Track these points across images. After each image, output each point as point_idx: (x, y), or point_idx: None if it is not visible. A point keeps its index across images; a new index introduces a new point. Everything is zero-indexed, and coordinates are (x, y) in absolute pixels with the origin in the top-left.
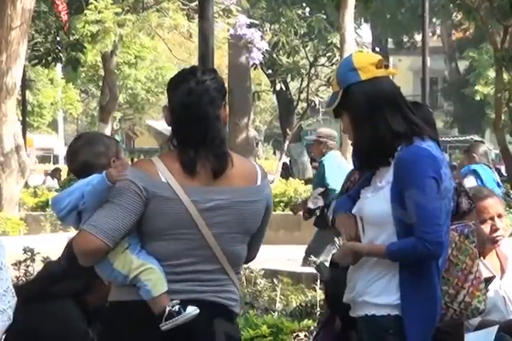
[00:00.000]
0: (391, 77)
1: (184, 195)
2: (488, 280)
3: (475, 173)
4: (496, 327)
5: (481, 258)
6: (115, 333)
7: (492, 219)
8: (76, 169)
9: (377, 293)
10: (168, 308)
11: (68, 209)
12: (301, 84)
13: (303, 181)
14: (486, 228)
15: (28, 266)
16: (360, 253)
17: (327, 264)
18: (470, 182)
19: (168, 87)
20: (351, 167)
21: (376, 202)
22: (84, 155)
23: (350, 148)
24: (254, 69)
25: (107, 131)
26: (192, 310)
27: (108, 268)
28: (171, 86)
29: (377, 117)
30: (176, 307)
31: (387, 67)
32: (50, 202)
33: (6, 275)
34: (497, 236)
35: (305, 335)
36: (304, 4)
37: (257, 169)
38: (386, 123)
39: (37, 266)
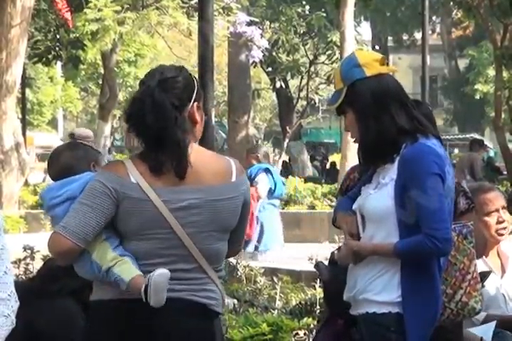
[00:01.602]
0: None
1: (154, 196)
2: (484, 276)
3: (267, 171)
4: (494, 322)
5: (483, 257)
6: (95, 332)
7: (497, 211)
8: (57, 172)
9: (378, 291)
10: (144, 285)
11: (64, 197)
12: (300, 82)
13: (302, 179)
14: (492, 220)
15: (27, 264)
16: (365, 253)
17: (326, 263)
18: (263, 178)
19: None
20: None
21: (379, 198)
22: (65, 158)
23: (351, 147)
24: (254, 67)
25: (107, 129)
26: (158, 270)
27: (87, 261)
28: None
29: (383, 113)
30: (147, 278)
31: (387, 65)
32: (40, 192)
33: (10, 279)
34: (503, 228)
35: (305, 333)
36: (304, 2)
37: (231, 165)
38: (392, 120)
39: (37, 264)
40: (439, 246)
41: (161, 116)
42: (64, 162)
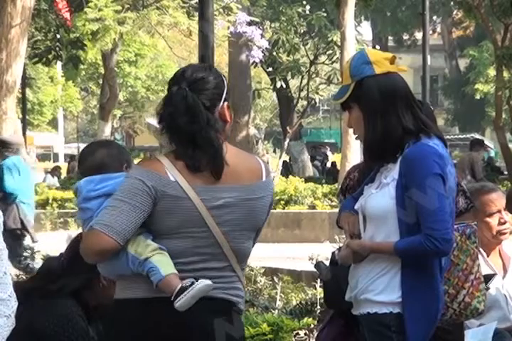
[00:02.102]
0: None
1: (193, 194)
2: (489, 278)
3: None
4: (494, 323)
5: (485, 257)
6: (119, 331)
7: (499, 212)
8: (89, 168)
9: (379, 291)
10: (180, 285)
11: (101, 192)
12: (301, 82)
13: (303, 179)
14: (493, 221)
15: (28, 264)
16: (366, 251)
17: (327, 263)
18: None
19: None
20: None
21: (380, 198)
22: (100, 155)
23: (351, 146)
24: (255, 67)
25: (107, 129)
26: (204, 281)
27: (123, 256)
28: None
29: (390, 111)
30: (188, 282)
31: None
32: (77, 183)
33: (10, 280)
34: (504, 229)
35: (305, 333)
36: (304, 2)
37: (261, 165)
38: (398, 118)
39: (37, 264)
40: (439, 247)
41: (193, 118)
42: (99, 159)
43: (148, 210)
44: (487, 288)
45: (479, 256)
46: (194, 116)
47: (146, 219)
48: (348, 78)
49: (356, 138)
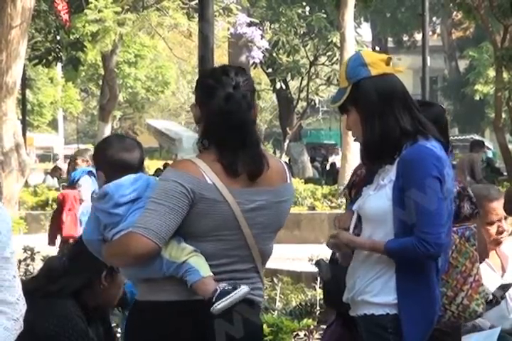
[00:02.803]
0: None
1: (230, 197)
2: (507, 288)
3: (91, 174)
4: (498, 329)
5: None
6: (146, 333)
7: (500, 220)
8: (122, 165)
9: (376, 292)
10: (219, 288)
11: (131, 197)
12: (301, 83)
13: (303, 180)
14: (492, 229)
15: (28, 265)
16: (354, 245)
17: (327, 261)
18: (86, 181)
19: (200, 89)
20: None
21: (377, 199)
22: (137, 154)
23: (351, 147)
24: (254, 68)
25: (107, 130)
26: (245, 287)
27: (159, 262)
28: (204, 89)
29: (388, 112)
30: (228, 287)
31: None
32: (103, 189)
33: (19, 283)
34: (501, 238)
35: (305, 334)
36: (304, 3)
37: (285, 167)
38: (395, 119)
39: (37, 265)
40: (430, 251)
41: (250, 118)
42: (136, 159)
43: (185, 212)
44: (502, 297)
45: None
46: (250, 115)
47: (181, 222)
48: (344, 81)
49: (355, 140)
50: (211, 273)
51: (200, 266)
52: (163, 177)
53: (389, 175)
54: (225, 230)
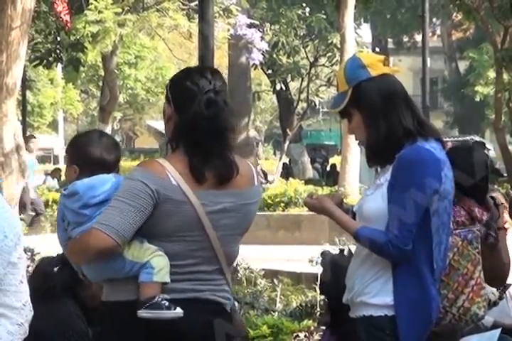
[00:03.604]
0: None
1: (194, 198)
2: (505, 288)
3: None
4: (498, 330)
5: None
6: (113, 333)
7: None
8: (90, 163)
9: (374, 294)
10: (157, 298)
11: (100, 199)
12: (301, 85)
13: (303, 181)
14: None
15: (28, 267)
16: (331, 215)
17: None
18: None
19: (178, 92)
20: None
21: (374, 199)
22: (118, 153)
23: (351, 149)
24: (255, 69)
25: (107, 131)
26: (180, 312)
27: (117, 258)
28: (182, 91)
29: (392, 113)
30: (166, 302)
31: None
32: (74, 187)
33: (26, 289)
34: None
35: (305, 335)
36: (304, 4)
37: (253, 170)
38: (399, 119)
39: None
40: (392, 252)
41: (230, 123)
42: (116, 156)
43: (148, 213)
44: (501, 298)
45: None
46: (231, 120)
47: (145, 222)
48: (344, 85)
49: (359, 144)
50: (166, 280)
51: (159, 269)
52: (130, 176)
53: (386, 175)
54: (189, 231)
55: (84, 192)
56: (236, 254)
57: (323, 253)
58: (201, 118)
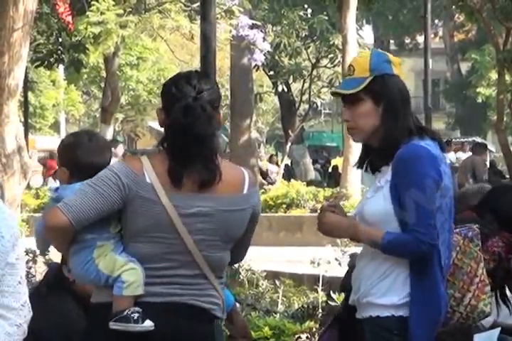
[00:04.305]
0: None
1: (166, 199)
2: None
3: None
4: (498, 329)
5: None
6: (95, 335)
7: None
8: (97, 166)
9: (381, 294)
10: (127, 311)
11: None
12: (303, 86)
13: (305, 183)
14: None
15: (30, 268)
16: (355, 233)
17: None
18: None
19: (164, 96)
20: None
21: (376, 201)
22: (109, 154)
23: (353, 150)
24: (256, 70)
25: (109, 133)
26: (149, 325)
27: (93, 270)
28: (167, 96)
29: (407, 110)
30: (136, 315)
31: None
32: (64, 193)
33: (24, 289)
34: None
35: (307, 337)
36: (306, 5)
37: (245, 177)
38: (411, 119)
39: (39, 268)
40: (424, 250)
41: (209, 130)
42: (108, 159)
43: (113, 205)
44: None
45: None
46: (210, 127)
47: (122, 220)
48: (365, 71)
49: (353, 133)
50: (137, 293)
51: (129, 284)
52: (109, 167)
53: (385, 176)
54: (159, 232)
55: (64, 195)
56: (222, 261)
57: (352, 255)
58: (178, 126)
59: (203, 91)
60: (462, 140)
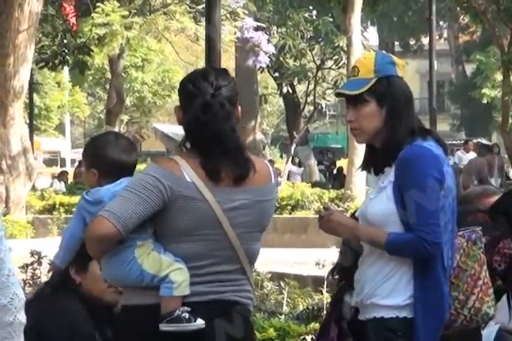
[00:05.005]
0: None
1: (210, 195)
2: None
3: None
4: (496, 327)
5: None
6: (133, 337)
7: None
8: (126, 167)
9: (385, 295)
10: (178, 312)
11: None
12: (307, 88)
13: (309, 184)
14: None
15: (35, 269)
16: (347, 232)
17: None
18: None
19: (182, 94)
20: None
21: (379, 202)
22: (129, 157)
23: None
24: (261, 72)
25: None
26: (201, 323)
27: (136, 270)
28: (184, 94)
29: (410, 112)
30: (187, 315)
31: None
32: (99, 194)
33: (13, 280)
34: None
35: (312, 338)
36: (311, 7)
37: (270, 168)
38: (414, 121)
39: (44, 269)
40: (429, 249)
41: (228, 126)
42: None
43: (155, 208)
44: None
45: None
46: (228, 123)
47: (162, 220)
48: (369, 72)
49: (356, 134)
50: (186, 292)
51: (179, 284)
52: (144, 171)
53: (388, 177)
54: (206, 229)
55: (110, 199)
56: (257, 252)
57: (344, 240)
58: (198, 123)
59: (221, 88)
60: (474, 141)
